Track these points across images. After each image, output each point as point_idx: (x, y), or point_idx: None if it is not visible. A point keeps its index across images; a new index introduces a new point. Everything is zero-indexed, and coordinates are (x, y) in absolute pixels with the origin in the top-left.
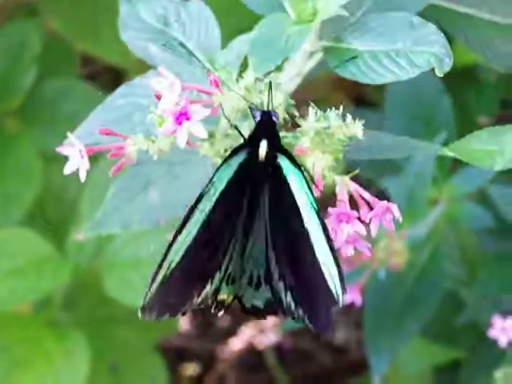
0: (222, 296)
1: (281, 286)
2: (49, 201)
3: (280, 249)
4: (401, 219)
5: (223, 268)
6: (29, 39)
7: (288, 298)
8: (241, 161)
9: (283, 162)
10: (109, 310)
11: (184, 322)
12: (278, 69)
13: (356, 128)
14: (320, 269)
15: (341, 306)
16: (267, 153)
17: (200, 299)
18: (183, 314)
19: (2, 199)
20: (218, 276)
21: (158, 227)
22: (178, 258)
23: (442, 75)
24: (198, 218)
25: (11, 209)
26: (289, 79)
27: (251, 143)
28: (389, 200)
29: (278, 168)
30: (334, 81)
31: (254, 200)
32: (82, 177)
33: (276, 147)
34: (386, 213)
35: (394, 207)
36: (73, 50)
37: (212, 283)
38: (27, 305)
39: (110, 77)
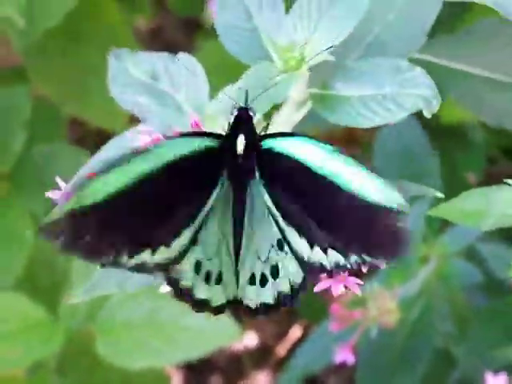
0: (201, 295)
1: (318, 252)
2: (40, 265)
3: (301, 215)
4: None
5: (190, 257)
6: (18, 104)
7: (333, 256)
8: (209, 145)
9: (272, 140)
10: (103, 373)
11: (175, 382)
12: (267, 118)
13: None
14: (361, 198)
15: (407, 212)
16: (246, 145)
17: (130, 261)
18: (100, 261)
19: None
20: (162, 250)
21: (151, 288)
22: (100, 196)
23: (429, 116)
24: (135, 169)
25: (2, 274)
26: (279, 129)
27: (228, 137)
28: None
29: (266, 149)
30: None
31: (239, 196)
32: None
33: (253, 140)
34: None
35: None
36: (61, 113)
37: (154, 252)
38: (21, 369)
39: (98, 140)
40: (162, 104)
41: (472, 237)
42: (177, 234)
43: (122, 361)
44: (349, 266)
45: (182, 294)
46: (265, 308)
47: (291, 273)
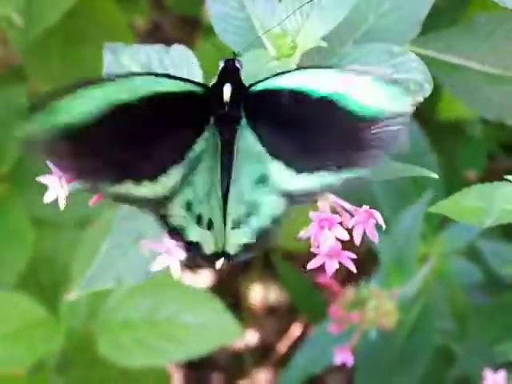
0: (193, 238)
1: (304, 178)
2: (40, 264)
3: (289, 144)
4: (384, 225)
5: (180, 197)
6: (17, 105)
7: (320, 177)
8: (195, 90)
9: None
10: (103, 370)
11: (176, 380)
12: None
13: None
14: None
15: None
16: (232, 93)
17: (112, 188)
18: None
19: None
20: (147, 184)
21: (152, 285)
22: (76, 116)
23: (422, 100)
24: (114, 94)
25: (3, 273)
26: None
27: (216, 86)
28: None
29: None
30: None
31: (227, 143)
32: (61, 205)
33: (240, 87)
34: (369, 219)
35: (377, 213)
36: None
37: (137, 183)
38: (22, 367)
39: None
40: None
41: (471, 234)
42: (161, 171)
43: (122, 359)
44: (336, 183)
45: (174, 233)
46: (246, 248)
47: (271, 206)
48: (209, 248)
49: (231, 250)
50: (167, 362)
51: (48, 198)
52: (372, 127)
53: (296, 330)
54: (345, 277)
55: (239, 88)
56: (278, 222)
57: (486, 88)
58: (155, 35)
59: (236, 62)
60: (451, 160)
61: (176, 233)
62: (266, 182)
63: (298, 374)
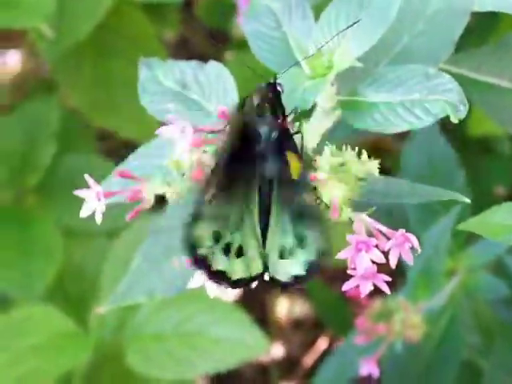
0: (218, 267)
1: None
2: (69, 276)
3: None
4: (419, 249)
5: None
6: (47, 116)
7: None
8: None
9: None
10: (131, 382)
11: None
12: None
13: (371, 165)
14: None
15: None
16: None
17: None
18: None
19: (23, 275)
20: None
21: (181, 298)
22: None
23: (457, 121)
24: None
25: (33, 284)
26: (310, 137)
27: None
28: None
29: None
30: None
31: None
32: (98, 219)
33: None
34: (405, 242)
35: (412, 236)
36: (90, 125)
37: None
38: (49, 380)
39: (127, 152)
40: (192, 112)
41: (498, 250)
42: None
43: (151, 371)
44: None
45: (198, 261)
46: (297, 279)
47: (316, 239)
48: (237, 274)
49: (282, 277)
50: (195, 374)
51: (84, 212)
52: None
53: (322, 343)
54: (372, 289)
55: (280, 118)
56: (326, 255)
57: None
58: (184, 48)
59: (277, 86)
60: (479, 176)
61: (201, 262)
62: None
63: None
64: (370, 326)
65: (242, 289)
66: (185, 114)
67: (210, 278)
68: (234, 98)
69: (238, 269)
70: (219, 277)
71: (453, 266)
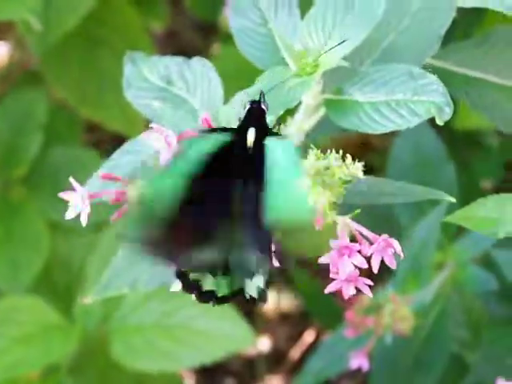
0: (207, 287)
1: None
2: (55, 267)
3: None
4: (402, 254)
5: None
6: (34, 108)
7: None
8: (222, 141)
9: (269, 142)
10: (116, 374)
11: None
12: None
13: (356, 168)
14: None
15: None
16: (255, 140)
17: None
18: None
19: (9, 266)
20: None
21: (166, 290)
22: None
23: (442, 124)
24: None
25: (20, 275)
26: (294, 134)
27: (240, 131)
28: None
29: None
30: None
31: (244, 186)
32: (84, 221)
33: (264, 135)
34: (388, 247)
35: (395, 242)
36: (78, 117)
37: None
38: (35, 370)
39: (114, 144)
40: (177, 108)
41: (487, 243)
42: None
43: (135, 363)
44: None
45: (191, 286)
46: (262, 296)
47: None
48: (221, 292)
49: (252, 291)
50: (180, 366)
51: (69, 214)
52: None
53: (309, 336)
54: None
55: (263, 134)
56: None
57: (502, 100)
58: (172, 40)
59: (262, 104)
60: (467, 169)
61: (193, 286)
62: None
63: (312, 378)
64: (359, 319)
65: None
66: (169, 109)
67: (200, 298)
68: (219, 93)
69: (223, 286)
70: (208, 296)
71: (442, 259)
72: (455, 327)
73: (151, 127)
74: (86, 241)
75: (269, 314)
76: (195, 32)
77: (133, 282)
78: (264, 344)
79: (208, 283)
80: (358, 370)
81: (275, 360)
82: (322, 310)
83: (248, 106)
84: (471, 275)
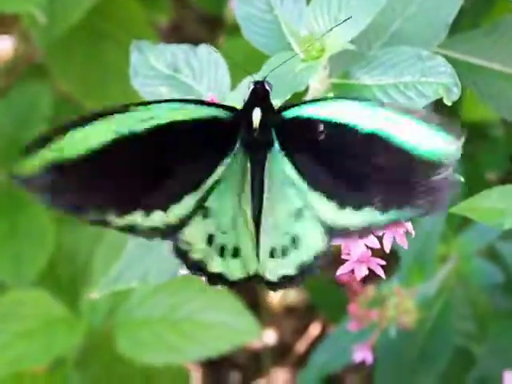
0: (215, 269)
1: (348, 213)
2: (61, 261)
3: (331, 177)
4: (414, 233)
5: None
6: (39, 101)
7: (367, 214)
8: (219, 116)
9: (296, 109)
10: (122, 368)
11: (194, 379)
12: None
13: None
14: (404, 150)
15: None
16: (261, 118)
17: (119, 221)
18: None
19: (14, 260)
20: (159, 214)
21: (172, 284)
22: (82, 148)
23: (450, 104)
24: (127, 123)
25: (24, 269)
26: None
27: (245, 111)
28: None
29: (290, 118)
30: None
31: (258, 169)
32: None
33: (270, 112)
34: (399, 227)
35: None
36: (83, 110)
37: (147, 214)
38: (41, 364)
39: None
40: (184, 95)
41: (492, 235)
42: (175, 200)
43: (141, 357)
44: (384, 222)
45: (193, 266)
46: (286, 280)
47: (312, 241)
48: (235, 275)
49: (271, 276)
50: (186, 360)
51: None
52: (423, 169)
53: (314, 329)
54: (365, 274)
55: (269, 112)
56: (320, 258)
57: (508, 89)
58: (177, 33)
59: (266, 84)
60: (473, 161)
61: (197, 266)
62: (306, 214)
63: (316, 372)
64: (362, 312)
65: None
66: (176, 97)
67: (208, 281)
68: (226, 80)
69: (234, 269)
70: (217, 278)
71: (446, 252)
72: (460, 320)
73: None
74: (91, 233)
75: (275, 306)
76: (200, 25)
77: (143, 274)
78: (270, 337)
79: (215, 264)
80: (363, 363)
81: (281, 353)
82: (328, 302)
83: (252, 87)
84: (476, 268)
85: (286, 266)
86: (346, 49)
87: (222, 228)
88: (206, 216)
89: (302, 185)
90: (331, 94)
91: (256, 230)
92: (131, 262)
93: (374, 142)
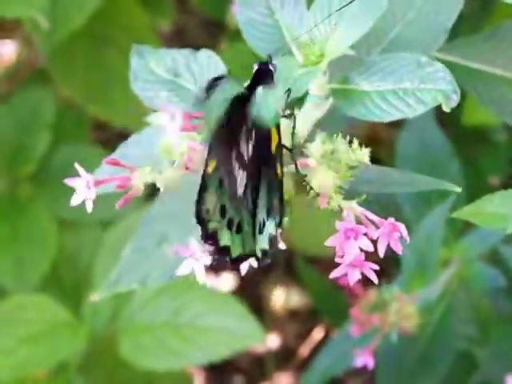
0: (224, 242)
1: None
2: (63, 265)
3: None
4: (408, 238)
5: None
6: (41, 106)
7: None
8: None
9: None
10: (125, 372)
11: (198, 383)
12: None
13: (362, 153)
14: None
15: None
16: None
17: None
18: None
19: (16, 264)
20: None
21: (175, 287)
22: None
23: (449, 111)
24: None
25: (27, 273)
26: (302, 125)
27: (248, 90)
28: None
29: None
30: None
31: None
32: (89, 208)
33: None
34: (394, 231)
35: (401, 225)
36: (85, 115)
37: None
38: (43, 369)
39: (122, 142)
40: (184, 100)
41: (494, 239)
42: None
43: (144, 361)
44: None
45: (209, 237)
46: (264, 255)
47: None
48: (235, 252)
49: (259, 253)
50: (189, 364)
51: (75, 201)
52: None
53: (318, 333)
54: (367, 279)
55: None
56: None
57: (510, 94)
58: (179, 38)
59: (270, 65)
60: (475, 165)
61: (212, 237)
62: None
63: (319, 376)
64: (364, 317)
65: (239, 276)
66: (176, 102)
67: (218, 254)
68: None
69: (236, 245)
70: (225, 253)
71: (448, 256)
72: (463, 324)
73: (158, 107)
74: (93, 237)
75: (278, 311)
76: (202, 30)
77: (142, 278)
78: (273, 341)
79: (225, 238)
80: (365, 367)
81: (284, 357)
82: (331, 307)
83: (256, 67)
84: (478, 272)
85: (264, 240)
86: (345, 54)
87: (231, 202)
88: (221, 187)
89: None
90: (330, 100)
91: (253, 206)
92: (129, 265)
93: None
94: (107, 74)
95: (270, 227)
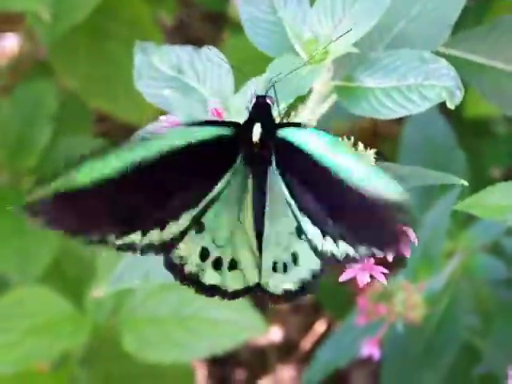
0: (210, 281)
1: (329, 242)
2: (66, 258)
3: (313, 204)
4: (417, 242)
5: (193, 245)
6: (44, 98)
7: (343, 247)
8: (220, 134)
9: (286, 130)
10: (127, 365)
11: (200, 376)
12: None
13: (368, 154)
14: (360, 189)
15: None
16: (262, 133)
17: (118, 241)
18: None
19: (19, 257)
20: (155, 233)
21: (176, 282)
22: (88, 180)
23: (453, 107)
24: (131, 156)
25: (29, 266)
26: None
27: (246, 126)
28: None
29: (281, 138)
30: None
31: (259, 184)
32: None
33: (271, 128)
34: (402, 235)
35: (410, 231)
36: (87, 107)
37: (144, 234)
38: (46, 361)
39: (124, 134)
40: (187, 97)
41: (497, 231)
42: (173, 219)
43: (146, 354)
44: (358, 257)
45: (186, 278)
46: (288, 295)
47: (309, 260)
48: (233, 286)
49: (274, 289)
50: (192, 357)
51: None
52: (377, 211)
53: (320, 326)
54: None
55: (270, 127)
56: (318, 277)
57: (509, 87)
58: (181, 31)
59: (268, 98)
60: (476, 157)
61: (189, 279)
62: (300, 233)
63: (322, 369)
64: (370, 307)
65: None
66: (180, 99)
67: (203, 293)
68: (229, 82)
69: (233, 280)
70: (212, 291)
71: (452, 247)
72: (466, 315)
73: (160, 119)
74: None
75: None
76: (204, 23)
77: (146, 273)
78: (275, 334)
79: (209, 276)
80: (369, 358)
81: (287, 350)
82: (334, 300)
83: (254, 100)
84: (481, 263)
85: (288, 281)
86: (349, 51)
87: (218, 241)
88: (200, 230)
89: (294, 206)
90: (334, 97)
91: (258, 242)
92: (133, 261)
93: (333, 176)
94: (109, 67)
95: (298, 273)
